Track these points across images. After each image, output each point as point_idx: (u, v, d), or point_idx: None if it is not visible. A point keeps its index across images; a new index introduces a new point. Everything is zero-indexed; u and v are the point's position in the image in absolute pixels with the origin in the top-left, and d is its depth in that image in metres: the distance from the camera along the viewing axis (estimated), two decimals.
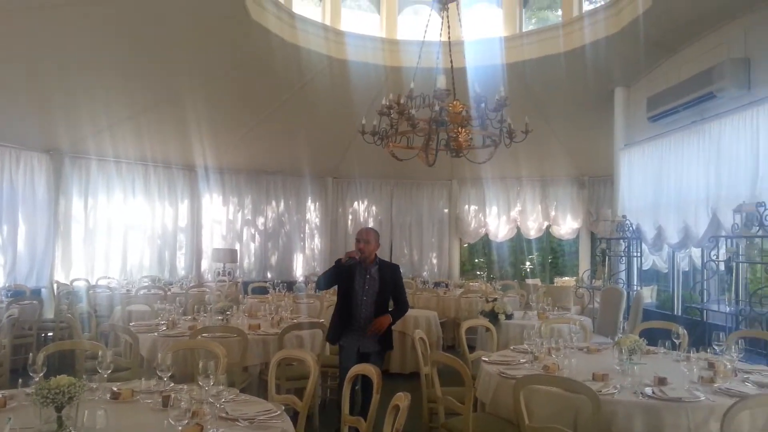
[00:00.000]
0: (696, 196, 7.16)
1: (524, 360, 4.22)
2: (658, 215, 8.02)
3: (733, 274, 5.97)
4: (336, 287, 5.17)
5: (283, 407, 3.05)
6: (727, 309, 6.05)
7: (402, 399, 2.59)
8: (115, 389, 3.22)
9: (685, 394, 3.29)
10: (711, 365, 3.91)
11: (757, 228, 5.82)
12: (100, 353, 3.34)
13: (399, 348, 7.24)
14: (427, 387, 4.49)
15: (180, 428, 2.45)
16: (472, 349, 6.01)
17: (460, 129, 6.54)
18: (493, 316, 6.44)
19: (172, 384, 3.42)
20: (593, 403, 2.99)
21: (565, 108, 10.82)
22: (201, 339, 4.75)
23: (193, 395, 2.97)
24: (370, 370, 3.24)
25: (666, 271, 9.09)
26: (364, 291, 4.94)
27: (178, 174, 12.01)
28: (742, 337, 4.84)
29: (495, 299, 6.99)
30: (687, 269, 8.69)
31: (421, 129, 6.68)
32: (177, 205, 12.00)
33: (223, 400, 2.92)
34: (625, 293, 7.58)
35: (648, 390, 3.37)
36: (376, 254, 5.03)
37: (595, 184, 12.47)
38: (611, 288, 7.84)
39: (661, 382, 3.51)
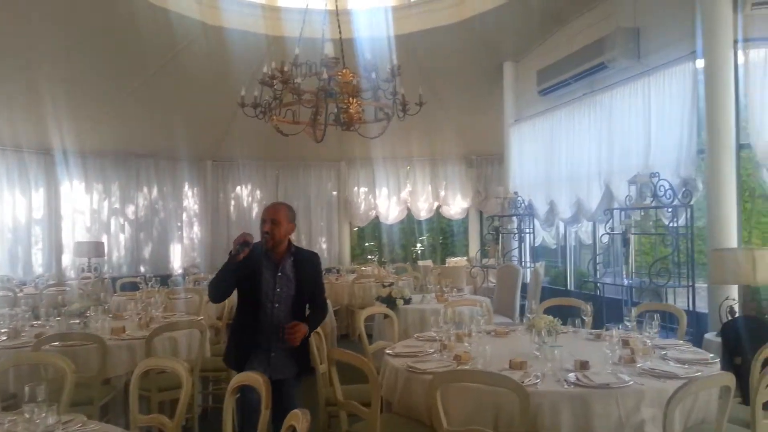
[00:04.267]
0: (588, 170, 7.12)
1: (432, 350, 3.79)
2: (550, 190, 7.97)
3: (630, 247, 5.93)
4: (236, 293, 3.63)
5: None
6: (625, 282, 6.01)
7: (298, 419, 2.02)
8: None
9: (611, 378, 2.99)
10: (625, 343, 3.67)
11: (651, 199, 5.78)
12: None
13: None
14: (324, 387, 3.96)
15: None
16: (369, 338, 5.54)
17: (350, 99, 6.04)
18: (390, 301, 6.02)
19: None
20: (522, 400, 2.58)
21: (455, 84, 10.59)
22: (45, 350, 3.90)
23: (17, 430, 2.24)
24: (255, 378, 2.64)
25: (554, 246, 9.12)
26: (274, 295, 3.53)
27: (31, 158, 10.48)
28: (645, 310, 4.72)
29: (391, 284, 6.57)
30: (573, 244, 8.75)
31: (308, 100, 6.10)
32: (30, 194, 10.49)
33: None
34: (521, 270, 7.43)
35: (571, 376, 3.04)
36: (290, 240, 3.61)
37: (483, 163, 12.41)
38: (507, 266, 7.68)
39: (583, 366, 3.20)
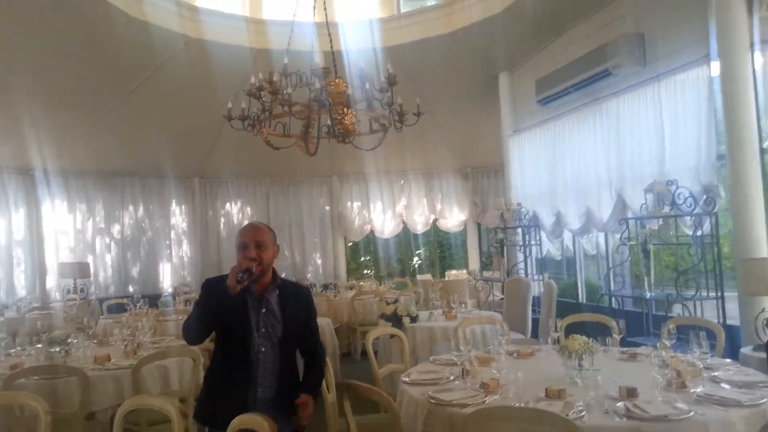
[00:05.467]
0: (597, 179, 6.82)
1: (452, 376, 3.41)
2: (556, 201, 7.66)
3: (650, 258, 5.60)
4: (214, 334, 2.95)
5: None
6: (647, 294, 5.67)
7: None
8: None
9: (668, 408, 2.62)
10: (665, 363, 3.32)
11: (669, 207, 5.47)
12: None
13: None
14: (334, 417, 3.58)
15: None
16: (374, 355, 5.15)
17: (345, 110, 5.72)
18: (396, 319, 5.61)
19: None
20: None
21: (448, 96, 10.30)
22: (21, 384, 3.49)
23: None
24: (259, 422, 2.25)
25: (559, 258, 8.81)
26: (260, 336, 2.85)
27: (11, 178, 10.02)
28: (676, 325, 4.37)
29: (396, 300, 6.19)
30: (572, 255, 8.43)
31: (299, 112, 5.76)
32: (10, 215, 10.02)
33: None
34: (531, 283, 7.08)
35: (620, 407, 2.67)
36: (274, 269, 2.97)
37: (479, 175, 12.11)
38: (516, 279, 7.33)
39: (631, 393, 2.83)
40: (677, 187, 5.40)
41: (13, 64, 7.74)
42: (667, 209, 5.48)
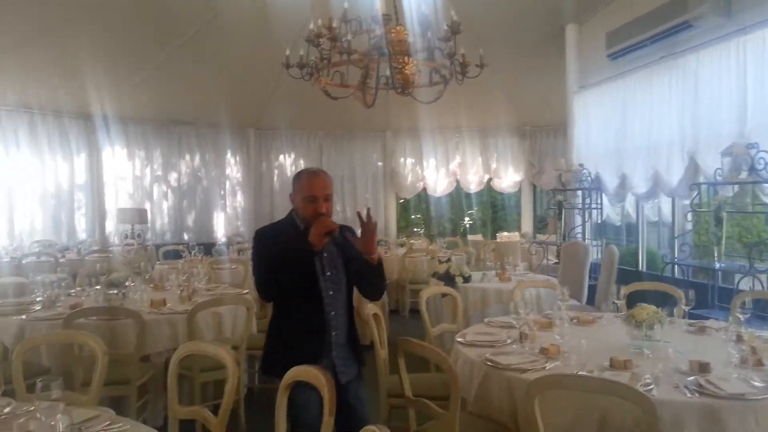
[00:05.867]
0: (669, 140, 6.42)
1: (510, 339, 3.29)
2: (621, 162, 7.29)
3: (723, 226, 5.26)
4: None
5: None
6: (717, 265, 5.37)
7: None
8: None
9: (744, 386, 2.44)
10: (739, 338, 3.12)
11: (747, 172, 5.11)
12: None
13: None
14: (386, 375, 3.52)
15: None
16: (416, 313, 5.06)
17: (405, 59, 5.53)
18: (449, 279, 5.50)
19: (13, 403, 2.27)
20: (647, 415, 2.07)
21: (509, 49, 9.84)
22: (80, 324, 3.57)
23: None
24: (315, 374, 2.19)
25: (619, 224, 8.48)
26: (325, 281, 2.82)
27: (72, 123, 10.24)
28: (747, 299, 4.12)
29: (449, 259, 6.07)
30: (632, 221, 8.08)
31: (357, 60, 5.60)
32: (72, 160, 10.28)
33: None
34: (590, 248, 6.84)
35: (691, 381, 2.50)
36: None
37: (537, 134, 11.70)
38: (574, 243, 7.08)
39: (703, 368, 2.66)
40: (758, 151, 5.02)
41: (71, 8, 7.79)
42: (744, 175, 5.11)
